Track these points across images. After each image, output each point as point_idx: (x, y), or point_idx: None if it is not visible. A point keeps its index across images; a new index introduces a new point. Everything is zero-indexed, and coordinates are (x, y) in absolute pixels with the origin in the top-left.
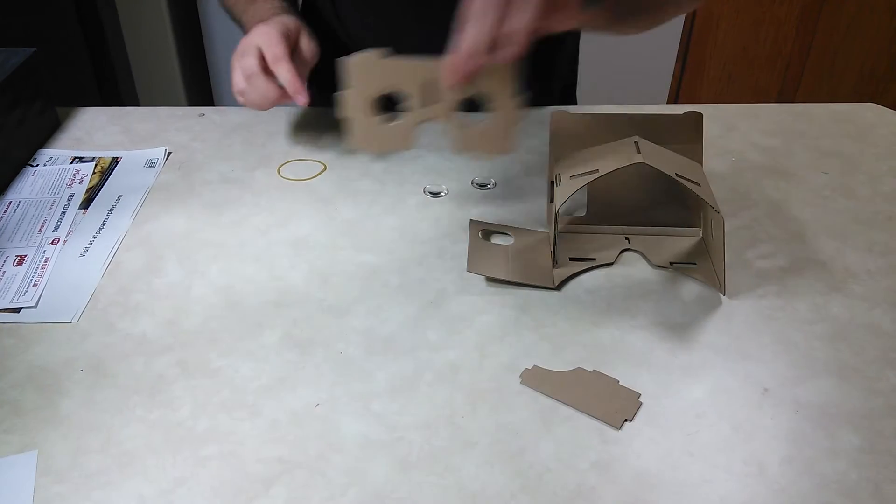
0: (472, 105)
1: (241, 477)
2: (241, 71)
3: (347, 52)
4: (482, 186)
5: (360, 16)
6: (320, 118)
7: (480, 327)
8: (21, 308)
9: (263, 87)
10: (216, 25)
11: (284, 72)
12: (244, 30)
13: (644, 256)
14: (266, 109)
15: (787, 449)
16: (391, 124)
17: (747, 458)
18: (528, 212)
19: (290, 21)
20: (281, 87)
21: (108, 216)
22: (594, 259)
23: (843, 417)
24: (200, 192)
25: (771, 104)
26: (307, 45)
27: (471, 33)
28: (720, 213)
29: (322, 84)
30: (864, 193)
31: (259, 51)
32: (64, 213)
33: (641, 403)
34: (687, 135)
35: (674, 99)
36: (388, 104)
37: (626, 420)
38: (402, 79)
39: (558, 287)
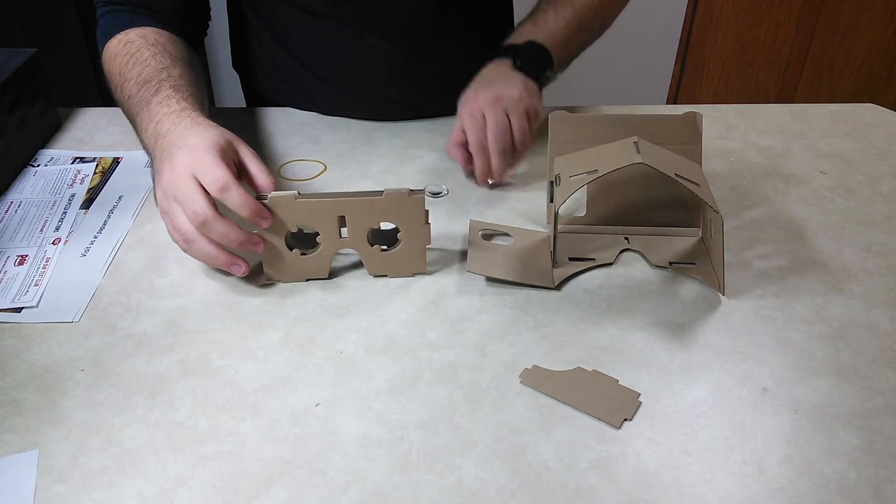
0: (384, 235)
1: (241, 476)
2: (189, 219)
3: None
4: (435, 195)
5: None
6: (320, 119)
7: (480, 327)
8: (22, 308)
9: (221, 230)
10: (216, 26)
11: (237, 196)
12: (139, 137)
13: (644, 256)
14: (226, 264)
15: (786, 449)
16: (307, 256)
17: (746, 458)
18: (528, 212)
19: (209, 131)
20: (242, 229)
21: (109, 216)
22: (594, 259)
23: (842, 417)
24: None
25: (770, 104)
26: (247, 149)
27: (496, 163)
28: (719, 213)
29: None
30: (863, 194)
31: (200, 186)
32: (65, 213)
33: (641, 403)
34: (686, 135)
35: (673, 99)
36: (302, 235)
37: (625, 420)
38: (315, 216)
39: (558, 287)
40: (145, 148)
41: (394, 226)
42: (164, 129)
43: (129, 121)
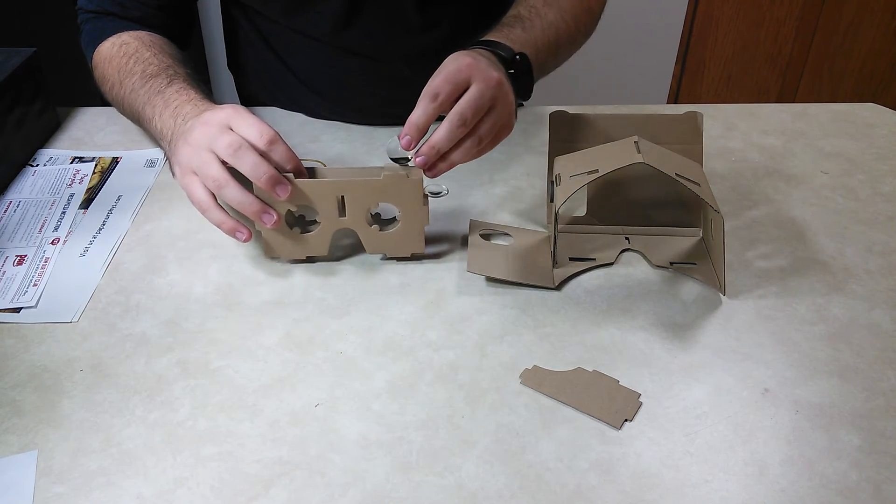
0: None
1: (240, 477)
2: (221, 151)
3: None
4: (434, 194)
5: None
6: (319, 120)
7: (480, 327)
8: (21, 308)
9: (254, 158)
10: (216, 25)
11: (284, 150)
12: (148, 125)
13: (644, 256)
14: (258, 211)
15: (787, 449)
16: (307, 234)
17: (747, 459)
18: (528, 212)
19: (236, 105)
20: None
21: (108, 216)
22: (594, 259)
23: (844, 418)
24: None
25: (771, 104)
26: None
27: (441, 135)
28: (720, 213)
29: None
30: (864, 193)
31: (233, 132)
32: (64, 213)
33: (641, 403)
34: (687, 135)
35: (674, 99)
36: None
37: (626, 420)
38: (314, 197)
39: (558, 287)
40: (157, 132)
41: (394, 215)
42: (186, 110)
43: (129, 115)
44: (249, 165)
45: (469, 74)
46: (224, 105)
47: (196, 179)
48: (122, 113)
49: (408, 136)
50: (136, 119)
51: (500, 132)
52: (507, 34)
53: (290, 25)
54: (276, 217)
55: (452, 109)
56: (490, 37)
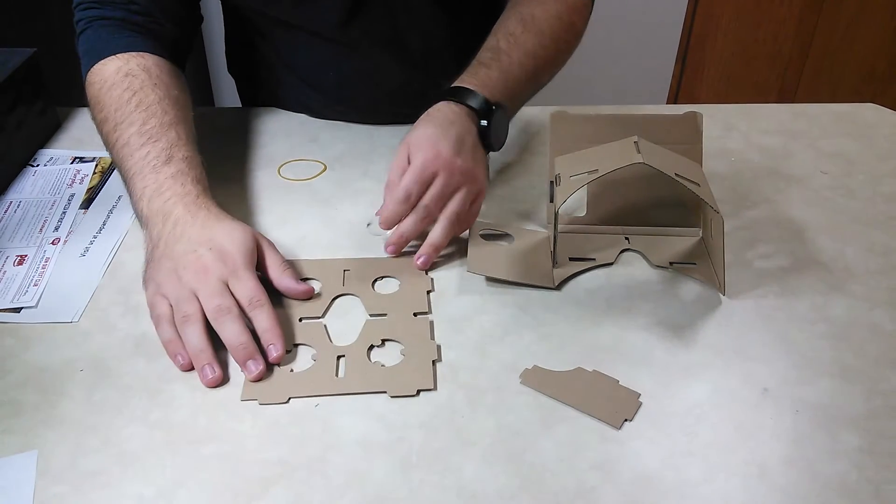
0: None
1: (240, 477)
2: (242, 296)
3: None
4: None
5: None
6: (319, 120)
7: (480, 327)
8: (21, 308)
9: (270, 311)
10: (216, 28)
11: (265, 317)
12: (133, 198)
13: (644, 256)
14: (252, 352)
15: (787, 449)
16: (295, 373)
17: (747, 459)
18: (528, 212)
19: (234, 232)
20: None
21: (108, 216)
22: (594, 259)
23: (844, 418)
24: None
25: (771, 104)
26: (265, 242)
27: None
28: (720, 213)
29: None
30: (864, 193)
31: (225, 287)
32: (64, 213)
33: (641, 403)
34: (687, 135)
35: (674, 99)
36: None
37: (626, 420)
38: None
39: (558, 287)
40: (141, 215)
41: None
42: (178, 212)
43: (115, 163)
44: (229, 333)
45: (435, 169)
46: (225, 232)
47: (165, 302)
48: (108, 151)
49: (382, 225)
50: (122, 177)
51: (475, 203)
52: (483, 79)
53: (295, 20)
54: (262, 367)
55: (418, 203)
56: (465, 81)
